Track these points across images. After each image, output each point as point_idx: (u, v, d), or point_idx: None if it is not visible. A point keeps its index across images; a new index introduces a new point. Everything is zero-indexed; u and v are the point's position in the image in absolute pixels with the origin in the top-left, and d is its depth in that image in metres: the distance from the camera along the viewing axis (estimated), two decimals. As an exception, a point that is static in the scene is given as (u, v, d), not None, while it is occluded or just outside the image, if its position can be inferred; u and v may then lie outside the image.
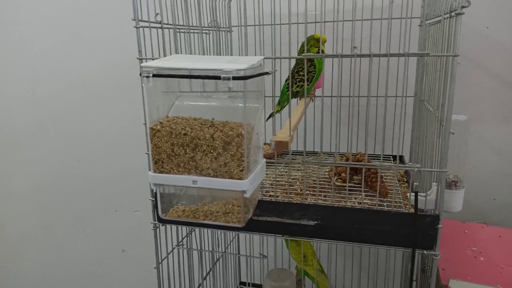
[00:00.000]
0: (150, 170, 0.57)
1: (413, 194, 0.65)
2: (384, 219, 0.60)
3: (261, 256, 0.73)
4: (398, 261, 1.08)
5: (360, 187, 0.77)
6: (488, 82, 1.04)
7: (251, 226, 0.63)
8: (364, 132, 1.06)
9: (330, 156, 1.03)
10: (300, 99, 0.93)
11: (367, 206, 0.67)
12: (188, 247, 0.80)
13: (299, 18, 1.07)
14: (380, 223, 0.60)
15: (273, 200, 0.67)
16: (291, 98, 0.97)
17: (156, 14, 0.68)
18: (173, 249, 0.78)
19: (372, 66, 0.59)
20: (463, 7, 0.50)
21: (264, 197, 0.69)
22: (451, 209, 0.63)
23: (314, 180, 0.83)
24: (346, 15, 1.02)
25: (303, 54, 0.63)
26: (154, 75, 0.51)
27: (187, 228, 0.83)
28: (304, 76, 0.94)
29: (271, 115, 0.99)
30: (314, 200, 0.69)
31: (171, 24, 0.68)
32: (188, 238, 0.83)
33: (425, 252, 0.60)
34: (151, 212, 0.70)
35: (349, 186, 0.76)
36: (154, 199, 0.70)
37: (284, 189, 0.78)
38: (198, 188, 0.57)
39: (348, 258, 1.12)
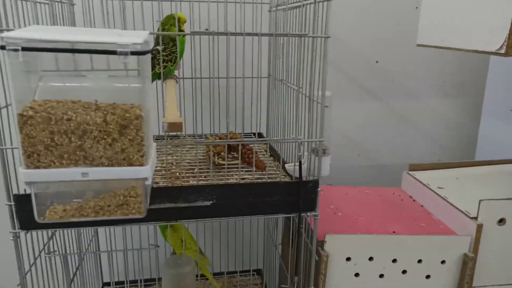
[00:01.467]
0: (20, 166, 0.46)
1: (290, 165, 0.72)
2: (273, 190, 0.65)
3: (155, 247, 0.69)
4: (259, 231, 1.16)
5: (237, 165, 0.80)
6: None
7: (146, 216, 0.58)
8: (225, 113, 1.09)
9: (201, 138, 1.02)
10: (164, 81, 0.90)
11: (249, 180, 0.71)
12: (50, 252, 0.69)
13: (155, -4, 1.01)
14: (270, 194, 0.65)
15: (166, 186, 0.64)
16: (154, 80, 0.93)
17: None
18: (36, 258, 0.66)
19: (229, 48, 0.61)
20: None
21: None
22: (322, 174, 0.72)
23: (189, 162, 0.82)
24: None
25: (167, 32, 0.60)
26: (24, 49, 0.41)
27: (47, 232, 0.71)
28: (166, 57, 0.91)
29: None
30: (195, 181, 0.69)
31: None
32: (52, 241, 0.71)
33: (307, 214, 0.68)
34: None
35: (227, 164, 0.78)
36: (13, 203, 0.57)
37: (162, 175, 0.75)
38: (78, 183, 0.50)
39: (215, 236, 1.15)
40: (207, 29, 1.17)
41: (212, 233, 1.15)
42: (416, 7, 1.16)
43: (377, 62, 1.20)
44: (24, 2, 0.62)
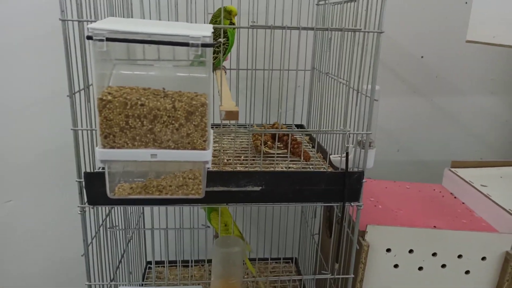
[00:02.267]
0: (96, 145, 0.51)
1: (336, 156, 0.74)
2: (320, 179, 0.67)
3: (206, 227, 0.73)
4: (296, 221, 1.19)
5: (282, 155, 0.83)
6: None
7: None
8: (266, 104, 1.12)
9: (246, 128, 1.06)
10: (214, 71, 0.94)
11: (294, 169, 0.73)
12: (111, 226, 0.75)
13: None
14: (316, 183, 0.67)
15: (219, 170, 0.68)
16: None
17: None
18: (96, 231, 0.72)
19: (273, 41, 0.64)
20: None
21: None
22: (367, 166, 0.74)
23: (236, 150, 0.86)
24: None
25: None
26: (108, 39, 0.46)
27: (105, 208, 0.77)
28: (217, 48, 0.94)
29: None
30: (244, 168, 0.72)
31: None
32: (108, 218, 0.77)
33: (351, 204, 0.70)
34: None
35: (273, 153, 0.81)
36: (82, 180, 0.63)
37: (213, 162, 0.79)
38: (143, 164, 0.54)
39: (253, 223, 1.19)
40: (253, 22, 1.20)
41: (250, 219, 1.20)
42: (466, 2, 1.14)
43: (422, 57, 1.19)
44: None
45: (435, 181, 1.06)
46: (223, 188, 0.65)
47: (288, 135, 0.83)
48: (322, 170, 0.72)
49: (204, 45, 0.47)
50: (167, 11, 0.99)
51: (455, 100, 1.25)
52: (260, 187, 0.66)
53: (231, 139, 0.95)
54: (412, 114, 1.25)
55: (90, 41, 0.46)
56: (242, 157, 0.80)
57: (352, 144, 0.73)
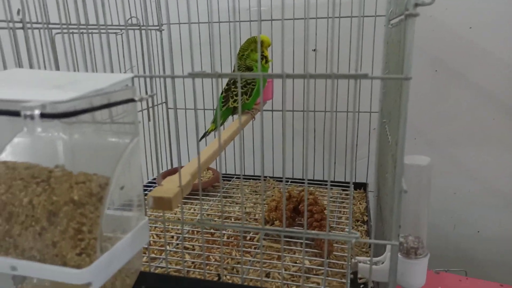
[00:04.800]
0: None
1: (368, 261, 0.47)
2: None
3: None
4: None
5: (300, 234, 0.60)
6: (467, 95, 0.87)
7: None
8: (319, 154, 0.88)
9: (277, 181, 0.85)
10: (239, 115, 0.75)
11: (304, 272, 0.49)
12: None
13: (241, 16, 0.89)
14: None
15: (164, 273, 0.49)
16: (227, 116, 0.80)
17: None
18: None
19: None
20: (417, 4, 0.32)
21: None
22: (409, 285, 0.46)
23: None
24: (297, 13, 0.84)
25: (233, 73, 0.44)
26: None
27: None
28: (244, 88, 0.76)
29: (204, 135, 0.81)
30: (228, 267, 0.51)
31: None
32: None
33: None
34: None
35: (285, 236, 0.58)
36: None
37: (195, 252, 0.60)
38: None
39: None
40: (314, 50, 0.99)
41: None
42: None
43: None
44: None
45: None
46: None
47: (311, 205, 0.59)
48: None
49: (47, 116, 0.30)
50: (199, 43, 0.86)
51: None
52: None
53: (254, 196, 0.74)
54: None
55: None
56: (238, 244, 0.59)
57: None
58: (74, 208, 0.33)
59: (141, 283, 0.46)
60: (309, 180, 0.86)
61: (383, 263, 0.47)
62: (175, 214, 0.71)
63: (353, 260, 0.40)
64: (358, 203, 0.76)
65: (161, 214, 0.71)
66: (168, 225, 0.67)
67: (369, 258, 0.46)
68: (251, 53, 0.76)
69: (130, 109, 0.40)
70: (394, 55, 0.55)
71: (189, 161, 0.51)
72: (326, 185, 0.83)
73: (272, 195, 0.70)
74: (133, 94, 0.39)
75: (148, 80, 0.81)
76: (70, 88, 0.33)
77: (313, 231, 0.40)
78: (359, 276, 0.48)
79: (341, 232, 0.42)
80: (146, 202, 0.41)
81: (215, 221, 0.60)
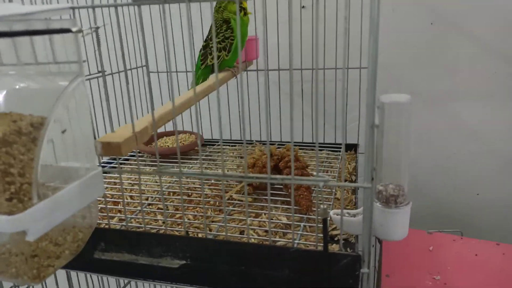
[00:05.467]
0: None
1: (345, 214, 0.44)
2: (282, 259, 0.39)
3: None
4: None
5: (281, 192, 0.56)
6: (466, 48, 0.81)
7: (91, 266, 0.42)
8: (308, 115, 0.84)
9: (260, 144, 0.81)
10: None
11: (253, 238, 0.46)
12: None
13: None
14: (276, 266, 0.39)
15: (123, 229, 0.46)
16: (206, 75, 0.75)
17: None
18: None
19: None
20: None
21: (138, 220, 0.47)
22: (389, 236, 0.42)
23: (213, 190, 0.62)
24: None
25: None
26: None
27: None
28: (222, 43, 0.71)
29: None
30: (197, 221, 0.48)
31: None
32: None
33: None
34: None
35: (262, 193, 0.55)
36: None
37: (175, 203, 0.57)
38: None
39: None
40: (303, 7, 0.93)
41: None
42: None
43: None
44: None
45: None
46: (128, 256, 0.42)
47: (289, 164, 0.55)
48: (283, 244, 0.43)
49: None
50: None
51: None
52: (182, 262, 0.41)
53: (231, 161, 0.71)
54: None
55: None
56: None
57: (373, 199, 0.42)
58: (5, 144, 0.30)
59: (100, 239, 0.43)
60: (296, 142, 0.82)
61: (358, 215, 0.43)
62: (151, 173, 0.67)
63: (322, 206, 0.36)
64: (347, 163, 0.72)
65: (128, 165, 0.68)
66: (144, 184, 0.63)
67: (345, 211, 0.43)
68: (229, 5, 0.71)
69: (70, 45, 0.36)
70: None
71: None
72: (314, 147, 0.79)
73: (252, 153, 0.66)
74: (71, 25, 0.34)
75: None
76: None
77: (278, 176, 0.37)
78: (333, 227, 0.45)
79: (309, 177, 0.38)
80: (94, 146, 0.38)
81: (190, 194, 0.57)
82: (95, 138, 0.39)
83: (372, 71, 0.32)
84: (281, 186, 0.59)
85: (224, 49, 0.70)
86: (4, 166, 0.30)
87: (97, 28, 0.36)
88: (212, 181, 0.64)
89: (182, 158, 0.77)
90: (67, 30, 0.34)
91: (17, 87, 0.36)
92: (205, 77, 0.73)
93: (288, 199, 0.54)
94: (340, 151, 0.76)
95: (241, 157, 0.76)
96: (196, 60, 0.74)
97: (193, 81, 0.56)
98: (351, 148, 0.79)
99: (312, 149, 0.78)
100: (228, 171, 0.69)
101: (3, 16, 0.28)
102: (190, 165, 0.73)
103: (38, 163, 0.32)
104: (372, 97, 0.33)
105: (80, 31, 0.34)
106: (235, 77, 0.74)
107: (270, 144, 0.83)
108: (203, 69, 0.72)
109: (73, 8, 0.35)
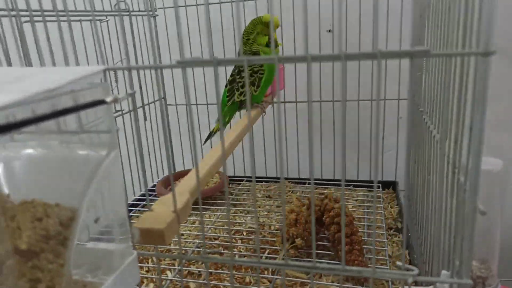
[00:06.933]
0: None
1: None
2: None
3: None
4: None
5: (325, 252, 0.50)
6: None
7: None
8: (339, 151, 0.77)
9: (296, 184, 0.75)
10: (247, 110, 0.65)
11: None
12: None
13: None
14: None
15: None
16: (233, 112, 0.69)
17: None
18: None
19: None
20: None
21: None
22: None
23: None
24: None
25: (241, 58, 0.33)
26: None
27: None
28: (251, 78, 0.66)
29: (209, 137, 0.70)
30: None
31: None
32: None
33: None
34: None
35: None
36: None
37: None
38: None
39: None
40: (330, 31, 0.87)
41: None
42: None
43: None
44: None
45: None
46: None
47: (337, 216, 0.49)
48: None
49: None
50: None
51: None
52: None
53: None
54: None
55: None
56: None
57: (447, 271, 0.36)
58: (21, 262, 0.24)
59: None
60: (329, 180, 0.76)
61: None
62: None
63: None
64: (389, 206, 0.66)
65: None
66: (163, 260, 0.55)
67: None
68: (258, 37, 0.65)
69: (102, 114, 0.30)
70: (436, 27, 0.44)
71: (193, 166, 0.41)
72: (347, 184, 0.72)
73: (291, 202, 0.60)
74: (103, 93, 0.28)
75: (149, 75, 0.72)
76: (7, 89, 0.23)
77: (353, 268, 0.30)
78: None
79: (392, 270, 0.32)
80: (131, 234, 0.31)
81: (221, 253, 0.50)
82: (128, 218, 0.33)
83: (476, 151, 0.26)
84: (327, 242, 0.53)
85: (252, 84, 0.64)
86: (30, 284, 0.24)
87: (133, 93, 0.30)
88: (244, 235, 0.58)
89: (206, 203, 0.71)
90: (101, 102, 0.28)
91: (39, 161, 0.29)
92: (231, 114, 0.68)
93: (338, 262, 0.48)
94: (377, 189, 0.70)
95: (268, 197, 0.69)
96: (222, 96, 0.68)
97: (219, 120, 0.50)
98: (389, 186, 0.73)
99: (346, 186, 0.72)
100: (259, 219, 0.63)
101: (26, 98, 0.22)
102: (217, 212, 0.67)
103: (69, 270, 0.26)
104: (474, 178, 0.27)
105: (116, 100, 0.28)
106: (263, 113, 0.68)
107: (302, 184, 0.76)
108: (229, 106, 0.66)
109: (107, 70, 0.29)
